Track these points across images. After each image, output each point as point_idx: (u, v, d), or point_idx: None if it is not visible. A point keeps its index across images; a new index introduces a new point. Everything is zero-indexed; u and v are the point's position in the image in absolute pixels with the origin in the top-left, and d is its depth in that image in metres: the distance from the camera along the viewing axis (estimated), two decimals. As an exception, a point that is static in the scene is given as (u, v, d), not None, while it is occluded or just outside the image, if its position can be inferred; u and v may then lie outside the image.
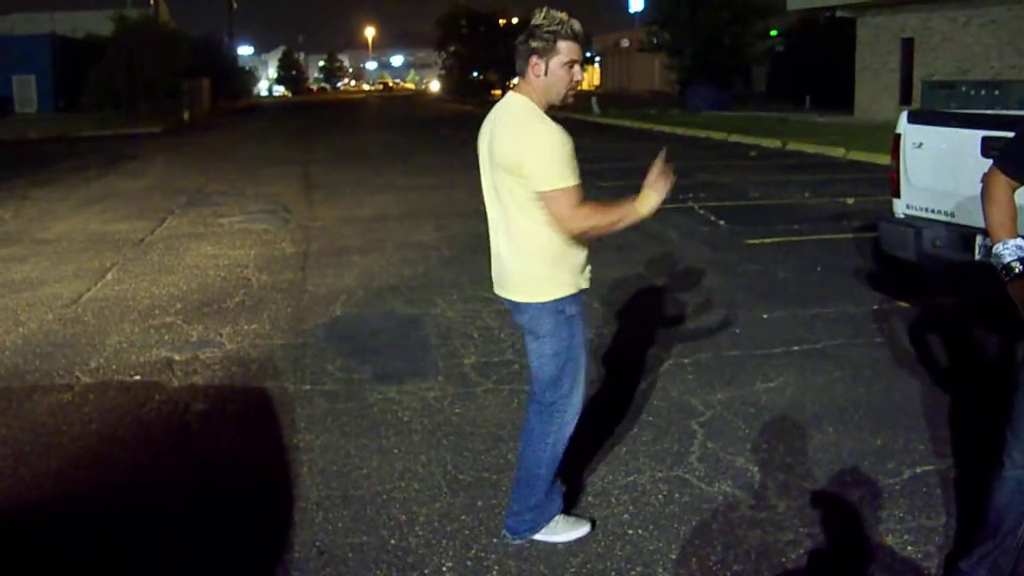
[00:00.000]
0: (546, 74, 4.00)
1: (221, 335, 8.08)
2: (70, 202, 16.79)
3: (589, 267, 4.27)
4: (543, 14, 4.01)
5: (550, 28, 3.97)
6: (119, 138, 34.02)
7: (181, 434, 5.98)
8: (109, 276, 10.48)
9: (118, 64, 46.69)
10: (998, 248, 3.62)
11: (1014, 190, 3.69)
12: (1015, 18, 30.13)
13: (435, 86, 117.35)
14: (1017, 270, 3.54)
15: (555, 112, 4.09)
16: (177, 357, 7.50)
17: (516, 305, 4.25)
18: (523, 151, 3.93)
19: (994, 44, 31.02)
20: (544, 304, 4.15)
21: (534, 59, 4.00)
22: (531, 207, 4.00)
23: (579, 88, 4.18)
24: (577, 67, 4.02)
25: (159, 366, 7.29)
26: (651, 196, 3.98)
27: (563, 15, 3.99)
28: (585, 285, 4.26)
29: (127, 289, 9.82)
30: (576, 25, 4.00)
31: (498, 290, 4.36)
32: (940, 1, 32.40)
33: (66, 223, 14.29)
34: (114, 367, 7.29)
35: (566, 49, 3.98)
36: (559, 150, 3.90)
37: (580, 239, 4.10)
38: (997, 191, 3.69)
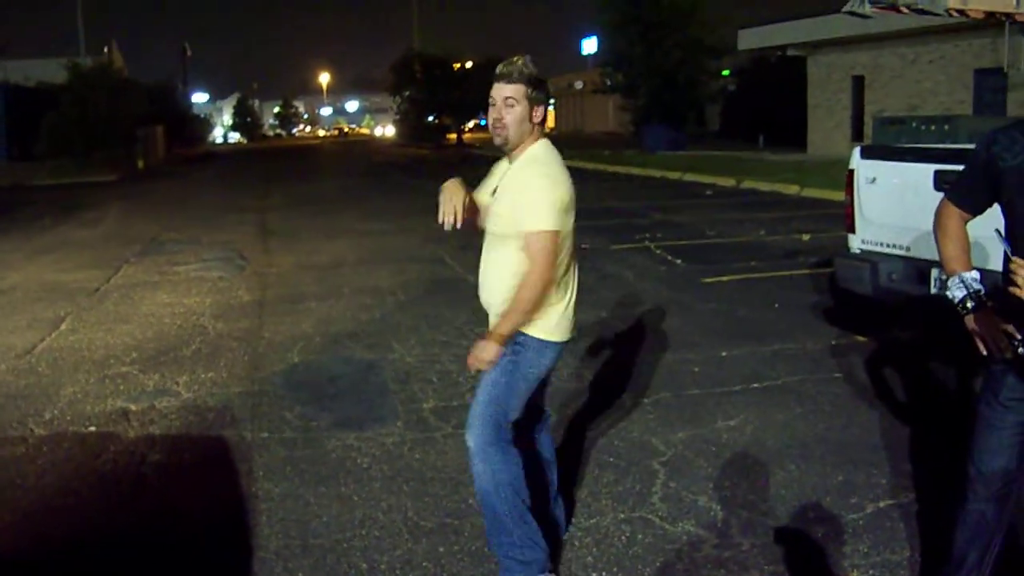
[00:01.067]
0: None
1: (178, 384, 7.99)
2: (24, 252, 16.60)
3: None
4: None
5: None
6: (73, 187, 33.74)
7: (137, 485, 5.89)
8: (64, 326, 10.35)
9: (72, 112, 46.40)
10: (953, 281, 3.63)
11: (966, 222, 3.71)
12: (961, 54, 30.62)
13: (390, 131, 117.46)
14: (973, 303, 3.55)
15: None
16: (133, 407, 7.40)
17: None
18: None
19: (943, 80, 31.49)
20: None
21: None
22: None
23: (499, 127, 4.19)
24: (497, 106, 4.16)
25: (115, 417, 7.19)
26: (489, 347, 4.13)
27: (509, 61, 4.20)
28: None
29: (82, 339, 9.70)
30: (499, 67, 4.19)
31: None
32: (889, 39, 32.85)
33: (20, 273, 14.13)
34: (69, 418, 7.18)
35: (492, 89, 4.19)
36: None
37: None
38: (949, 224, 3.71)
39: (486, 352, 4.10)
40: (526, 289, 4.04)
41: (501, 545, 4.30)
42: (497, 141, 4.19)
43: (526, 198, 4.08)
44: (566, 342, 4.32)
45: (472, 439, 4.30)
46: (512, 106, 4.12)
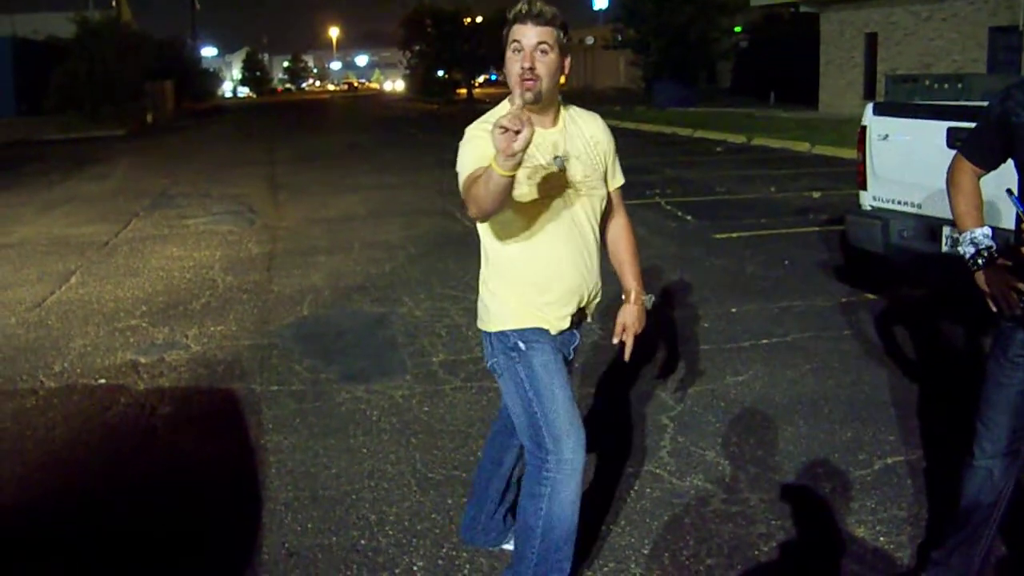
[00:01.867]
0: (506, 66, 3.47)
1: (187, 337, 8.01)
2: (33, 206, 16.61)
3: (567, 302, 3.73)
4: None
5: (508, 14, 3.47)
6: (82, 141, 33.72)
7: (147, 437, 5.91)
8: (73, 279, 10.37)
9: (80, 66, 46.15)
10: (965, 237, 3.62)
11: (979, 178, 3.69)
12: (976, 12, 30.34)
13: (400, 86, 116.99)
14: (984, 258, 3.54)
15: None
16: (143, 360, 7.42)
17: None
18: None
19: (956, 38, 31.22)
20: (489, 335, 3.73)
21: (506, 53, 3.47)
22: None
23: (530, 78, 3.37)
24: (526, 52, 3.37)
25: (124, 369, 7.22)
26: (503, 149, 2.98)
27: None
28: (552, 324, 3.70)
29: (91, 292, 9.72)
30: (529, 4, 3.40)
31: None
32: (902, -4, 32.58)
33: (29, 227, 14.14)
34: (79, 371, 7.20)
35: (513, 32, 3.42)
36: (466, 149, 3.49)
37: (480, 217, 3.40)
38: (962, 179, 3.69)
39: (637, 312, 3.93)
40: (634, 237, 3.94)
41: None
42: (528, 97, 3.30)
43: (615, 151, 3.83)
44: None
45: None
46: (546, 52, 3.38)
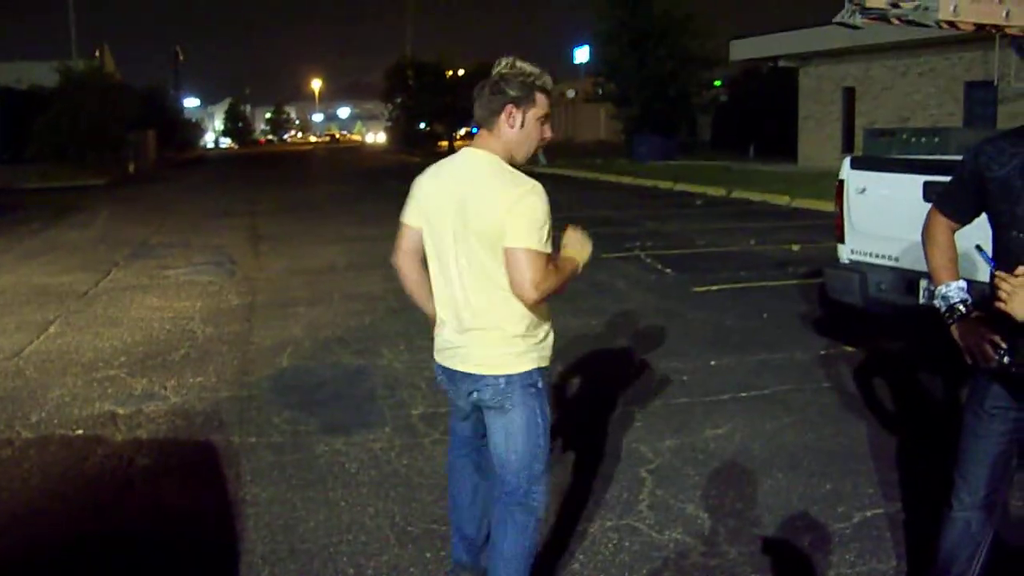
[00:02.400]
0: (522, 126, 3.74)
1: (166, 388, 7.98)
2: (13, 254, 16.58)
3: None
4: (509, 63, 3.74)
5: (527, 79, 3.72)
6: (64, 190, 33.73)
7: (125, 488, 5.88)
8: (52, 329, 10.33)
9: (63, 115, 46.24)
10: (940, 291, 3.65)
11: (953, 232, 3.72)
12: (952, 67, 30.73)
13: (382, 138, 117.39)
14: (960, 312, 3.56)
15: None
16: (121, 411, 7.39)
17: (477, 379, 3.86)
18: (510, 212, 3.60)
19: (934, 92, 31.60)
20: (511, 376, 3.82)
21: (511, 108, 3.71)
22: (501, 274, 3.69)
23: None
24: (548, 123, 3.85)
25: (102, 420, 7.18)
26: (581, 244, 3.91)
27: (535, 67, 3.78)
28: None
29: (70, 342, 9.68)
30: (549, 79, 3.82)
31: (448, 362, 3.97)
32: (880, 51, 32.94)
33: (9, 275, 14.10)
34: (56, 421, 7.16)
35: (542, 102, 3.77)
36: (542, 212, 3.64)
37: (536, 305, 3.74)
38: (937, 233, 3.72)
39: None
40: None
41: None
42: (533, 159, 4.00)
43: None
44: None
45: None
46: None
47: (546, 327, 3.91)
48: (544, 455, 3.92)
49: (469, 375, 3.86)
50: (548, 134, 3.85)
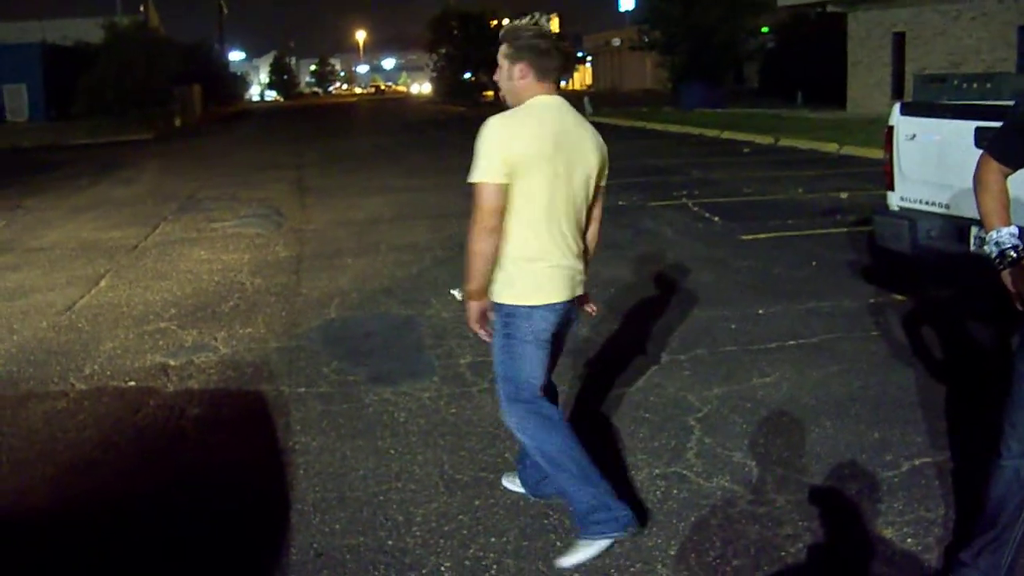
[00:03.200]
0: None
1: (216, 339, 8.06)
2: (62, 210, 16.75)
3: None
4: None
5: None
6: (110, 146, 33.94)
7: (177, 439, 5.96)
8: (103, 283, 10.45)
9: (108, 72, 46.55)
10: (991, 236, 3.61)
11: (1006, 177, 3.68)
12: (1005, 11, 30.16)
13: (427, 88, 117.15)
14: (1011, 258, 3.52)
15: None
16: (172, 362, 7.47)
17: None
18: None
19: (985, 37, 31.04)
20: None
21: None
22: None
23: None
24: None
25: (154, 372, 7.27)
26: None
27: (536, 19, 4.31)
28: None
29: (121, 296, 9.79)
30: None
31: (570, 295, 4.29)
32: (931, -5, 32.43)
33: (59, 231, 14.26)
34: (108, 373, 7.26)
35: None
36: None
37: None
38: (989, 178, 3.68)
39: (468, 312, 4.31)
40: (468, 242, 4.11)
41: (577, 510, 4.30)
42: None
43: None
44: (558, 304, 4.20)
45: (506, 420, 4.39)
46: (500, 67, 4.31)
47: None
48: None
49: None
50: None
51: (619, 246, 10.98)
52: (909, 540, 4.40)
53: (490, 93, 71.48)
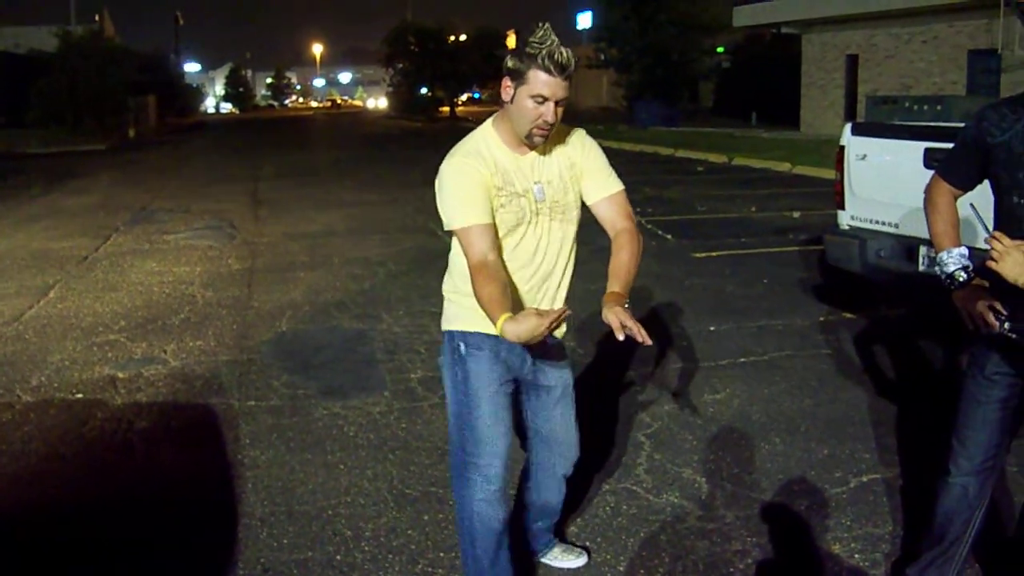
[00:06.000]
0: (511, 101, 3.45)
1: (165, 352, 7.99)
2: (13, 219, 16.55)
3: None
4: (541, 31, 3.39)
5: (530, 50, 3.36)
6: (63, 155, 33.61)
7: (124, 452, 5.89)
8: (52, 294, 10.33)
9: (62, 80, 46.09)
10: (942, 257, 3.63)
11: (956, 198, 3.71)
12: (956, 34, 30.58)
13: (383, 103, 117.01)
14: (961, 279, 3.55)
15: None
16: (120, 375, 7.40)
17: None
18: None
19: (936, 60, 31.46)
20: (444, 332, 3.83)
21: (505, 80, 3.46)
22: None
23: (546, 131, 3.47)
24: (549, 105, 3.38)
25: (102, 384, 7.19)
26: (520, 328, 3.16)
27: (551, 39, 3.37)
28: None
29: (70, 307, 9.69)
30: (558, 54, 3.34)
31: None
32: (884, 18, 32.80)
33: (8, 240, 14.09)
34: (56, 385, 7.17)
35: (537, 81, 3.36)
36: (450, 185, 3.49)
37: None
38: (939, 199, 3.71)
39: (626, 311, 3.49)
40: (639, 248, 3.77)
41: None
42: (536, 143, 3.50)
43: (599, 162, 3.77)
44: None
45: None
46: (562, 105, 3.44)
47: (472, 299, 3.48)
48: (467, 427, 3.74)
49: None
50: (548, 117, 3.40)
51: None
52: (857, 556, 4.42)
53: (446, 109, 71.61)
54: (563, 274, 3.83)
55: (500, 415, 3.73)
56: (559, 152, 3.67)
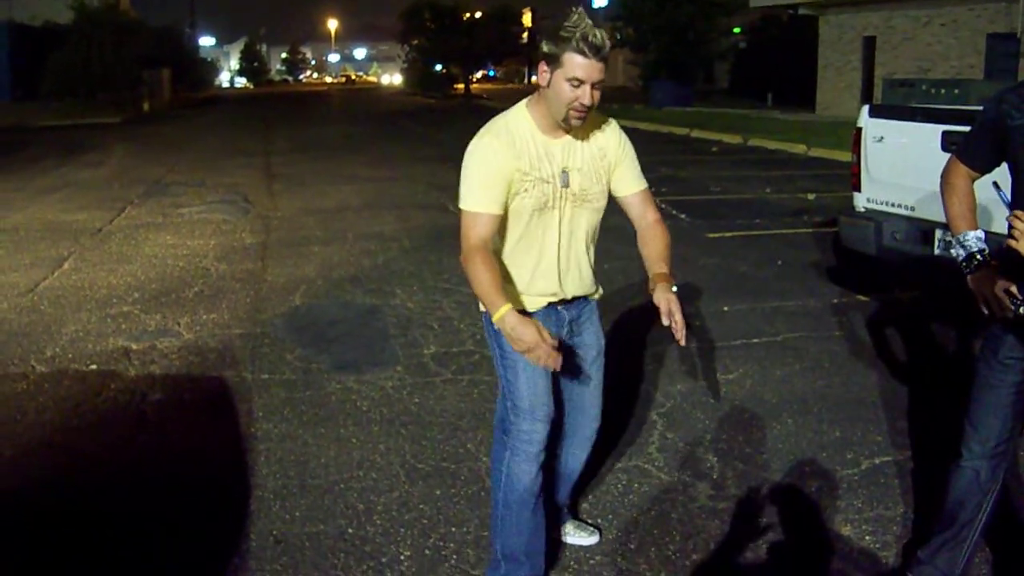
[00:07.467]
0: (548, 85, 3.47)
1: (179, 325, 8.01)
2: (27, 191, 16.59)
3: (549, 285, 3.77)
4: (575, 15, 3.41)
5: (564, 33, 3.37)
6: (78, 128, 33.65)
7: (137, 423, 5.92)
8: (66, 265, 10.36)
9: (77, 53, 46.05)
10: (958, 239, 3.62)
11: (973, 181, 3.70)
12: (975, 18, 30.39)
13: (397, 79, 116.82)
14: (977, 261, 3.55)
15: None
16: (134, 346, 7.42)
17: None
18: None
19: (954, 44, 31.28)
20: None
21: (542, 64, 3.47)
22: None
23: (591, 110, 3.51)
24: (586, 88, 3.40)
25: (116, 355, 7.22)
26: (522, 331, 3.32)
27: (585, 22, 3.38)
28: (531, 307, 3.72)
29: (84, 278, 9.71)
30: (592, 35, 3.36)
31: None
32: (902, 0, 32.62)
33: (23, 212, 14.12)
34: (70, 356, 7.20)
35: (572, 64, 3.37)
36: (473, 166, 3.55)
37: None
38: (957, 182, 3.70)
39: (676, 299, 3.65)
40: (668, 235, 3.95)
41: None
42: (574, 125, 3.51)
43: (632, 157, 3.85)
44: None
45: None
46: (599, 88, 3.46)
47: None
48: (509, 393, 3.81)
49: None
50: (585, 100, 3.42)
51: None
52: (868, 537, 4.42)
53: (460, 86, 71.47)
54: (586, 256, 3.88)
55: (538, 382, 3.78)
56: (591, 140, 3.71)
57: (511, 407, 3.79)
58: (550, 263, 3.74)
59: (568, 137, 3.63)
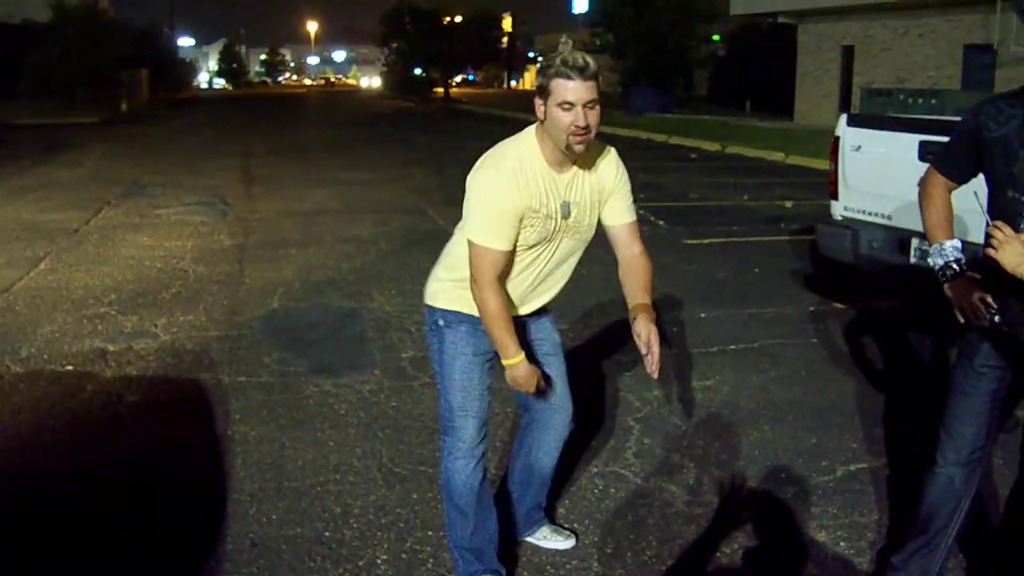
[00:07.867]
0: (545, 117, 3.50)
1: (156, 326, 7.98)
2: (3, 191, 16.50)
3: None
4: (560, 45, 3.50)
5: (546, 63, 3.45)
6: (55, 127, 33.49)
7: (114, 425, 5.90)
8: (42, 265, 10.31)
9: (55, 52, 45.83)
10: (935, 248, 3.65)
11: (951, 191, 3.73)
12: (952, 29, 30.59)
13: (376, 82, 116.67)
14: (953, 271, 3.57)
15: None
16: (111, 347, 7.40)
17: None
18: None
19: (932, 54, 31.47)
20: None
21: (536, 99, 3.52)
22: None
23: (590, 131, 3.50)
24: (578, 109, 3.41)
25: (92, 356, 7.19)
26: (528, 380, 3.72)
27: (565, 48, 3.46)
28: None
29: (60, 279, 9.67)
30: (573, 59, 3.41)
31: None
32: (880, 10, 32.80)
33: (-1, 211, 14.05)
34: (46, 357, 7.17)
35: (559, 88, 3.41)
36: (475, 196, 3.58)
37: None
38: (934, 192, 3.73)
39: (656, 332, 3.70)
40: (651, 267, 4.03)
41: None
42: (578, 150, 3.50)
43: (627, 189, 3.93)
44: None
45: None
46: (594, 106, 3.46)
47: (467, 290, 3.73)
48: (443, 397, 3.95)
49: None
50: (580, 121, 3.43)
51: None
52: (842, 544, 4.45)
53: (440, 89, 71.45)
54: (563, 277, 3.99)
55: (473, 381, 3.88)
56: (593, 174, 3.77)
57: (445, 405, 3.92)
58: (524, 287, 3.83)
59: (574, 169, 3.67)
